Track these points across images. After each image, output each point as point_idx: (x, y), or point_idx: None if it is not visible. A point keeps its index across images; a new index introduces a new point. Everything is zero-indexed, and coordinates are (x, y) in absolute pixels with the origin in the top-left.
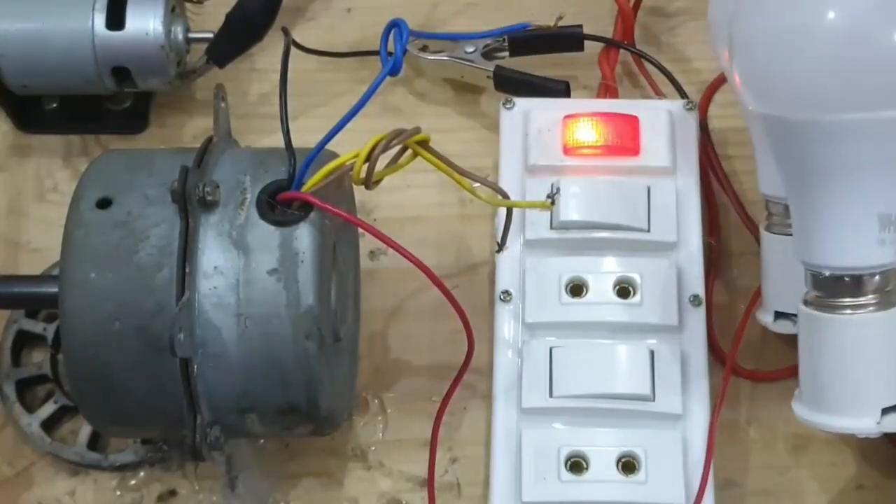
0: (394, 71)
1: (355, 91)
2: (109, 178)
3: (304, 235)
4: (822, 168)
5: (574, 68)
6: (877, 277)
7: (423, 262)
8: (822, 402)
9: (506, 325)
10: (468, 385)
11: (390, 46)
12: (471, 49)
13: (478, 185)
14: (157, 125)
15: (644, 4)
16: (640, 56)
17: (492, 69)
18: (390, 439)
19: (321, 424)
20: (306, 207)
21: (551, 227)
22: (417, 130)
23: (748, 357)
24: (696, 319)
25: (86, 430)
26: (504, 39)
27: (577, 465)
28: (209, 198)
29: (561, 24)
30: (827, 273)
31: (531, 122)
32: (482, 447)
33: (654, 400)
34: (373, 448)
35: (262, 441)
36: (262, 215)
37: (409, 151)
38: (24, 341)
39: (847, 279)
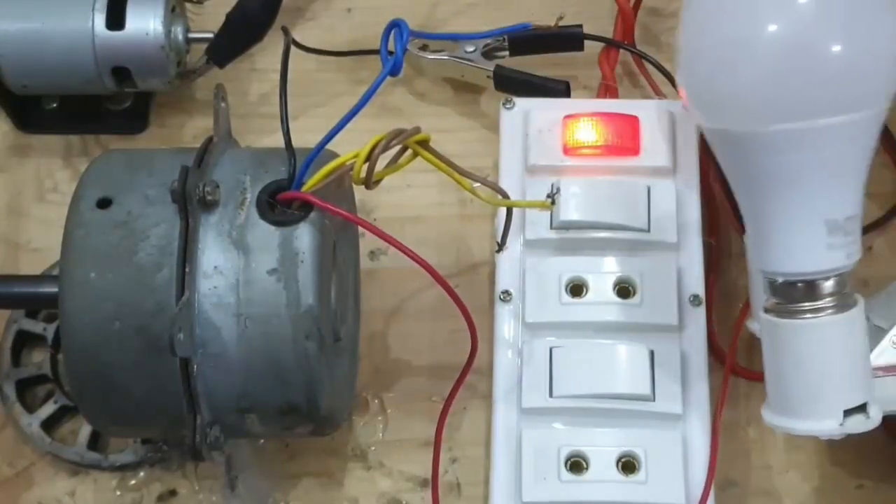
0: (394, 71)
1: (355, 91)
2: (109, 178)
3: (304, 235)
4: (767, 177)
5: (574, 68)
6: (831, 281)
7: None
8: (786, 406)
9: (506, 325)
10: (468, 385)
11: (390, 46)
12: (471, 49)
13: (478, 185)
14: (157, 125)
15: (644, 4)
16: (640, 56)
17: (492, 69)
18: (390, 439)
19: (321, 424)
20: (306, 207)
21: (551, 227)
22: (417, 130)
23: (748, 357)
24: (696, 319)
25: (86, 430)
26: (504, 39)
27: (577, 465)
28: (209, 198)
29: (561, 24)
30: (780, 279)
31: (531, 122)
32: (482, 447)
33: (654, 400)
34: (373, 448)
35: (262, 441)
36: (262, 215)
37: (409, 151)
38: (24, 341)
39: (800, 285)
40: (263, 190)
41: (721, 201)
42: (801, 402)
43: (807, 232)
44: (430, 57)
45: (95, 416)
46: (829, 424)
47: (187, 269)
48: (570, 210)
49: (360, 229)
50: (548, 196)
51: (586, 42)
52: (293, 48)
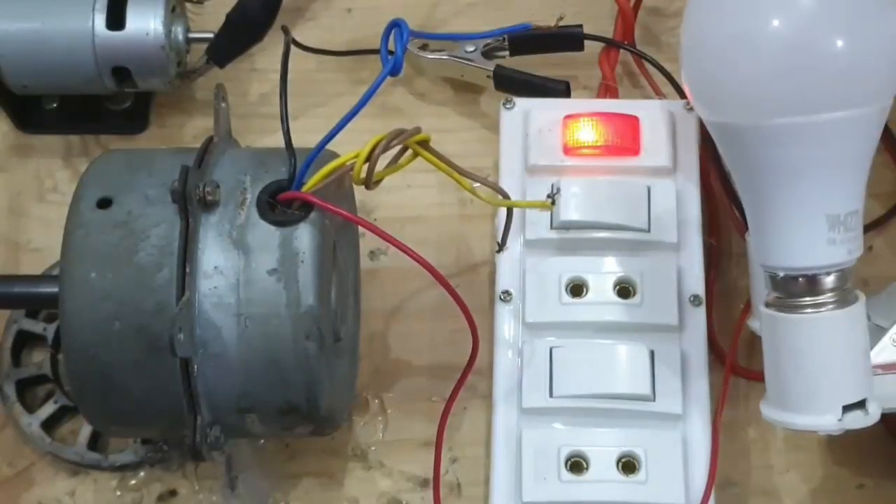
0: (394, 71)
1: (355, 91)
2: (109, 178)
3: (304, 235)
4: (768, 172)
5: (574, 68)
6: (832, 276)
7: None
8: (785, 401)
9: (506, 325)
10: (468, 385)
11: (391, 46)
12: (471, 48)
13: (478, 185)
14: (157, 125)
15: (644, 4)
16: (640, 56)
17: (492, 69)
18: (390, 439)
19: (321, 424)
20: (306, 207)
21: (551, 227)
22: (418, 130)
23: (749, 357)
24: (696, 319)
25: (86, 430)
26: (504, 39)
27: (577, 465)
28: (209, 198)
29: (561, 24)
30: (781, 274)
31: (531, 122)
32: (482, 447)
33: (654, 400)
34: (373, 448)
35: (262, 441)
36: (263, 215)
37: (409, 151)
38: (24, 341)
39: (801, 279)
40: (263, 190)
41: (721, 200)
42: (800, 397)
43: (807, 226)
44: (430, 57)
45: (95, 416)
46: (827, 420)
47: (187, 269)
48: (570, 210)
49: (360, 229)
50: (548, 196)
51: (586, 42)
52: (293, 48)
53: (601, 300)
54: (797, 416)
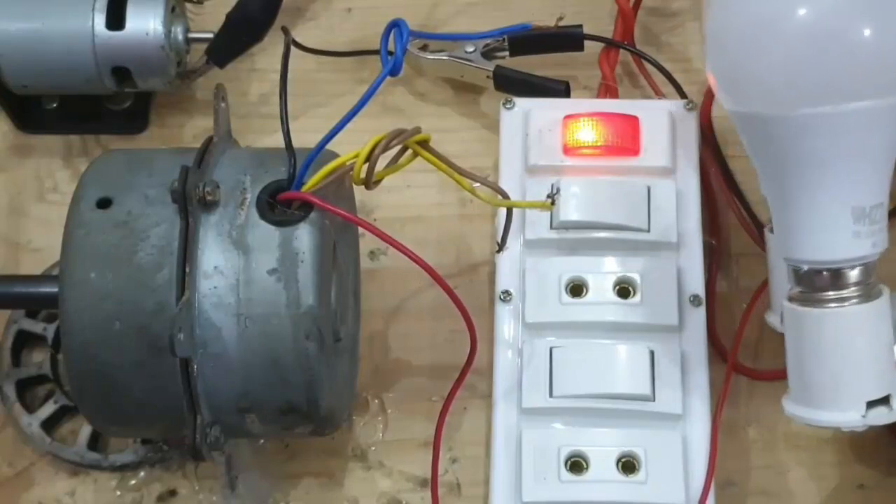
0: (394, 71)
1: (355, 91)
2: (109, 178)
3: (304, 235)
4: (794, 163)
5: (574, 68)
6: (856, 270)
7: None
8: (808, 397)
9: (506, 325)
10: (468, 385)
11: (390, 46)
12: (471, 49)
13: (478, 185)
14: (157, 125)
15: (644, 4)
16: (640, 56)
17: (492, 69)
18: (390, 439)
19: (321, 424)
20: (306, 207)
21: (551, 227)
22: (417, 130)
23: (749, 357)
24: (696, 319)
25: (86, 430)
26: (504, 39)
27: (577, 465)
28: (209, 198)
29: (561, 24)
30: (805, 267)
31: (531, 122)
32: (482, 447)
33: (654, 400)
34: (373, 448)
35: (262, 441)
36: (262, 215)
37: (409, 151)
38: (24, 341)
39: (826, 273)
40: (263, 190)
41: (721, 200)
42: (823, 392)
43: (833, 219)
44: (429, 57)
45: (95, 416)
46: (851, 416)
47: (187, 269)
48: (570, 210)
49: (360, 229)
50: (548, 196)
51: (586, 42)
52: (293, 48)
53: (601, 300)
54: (820, 413)
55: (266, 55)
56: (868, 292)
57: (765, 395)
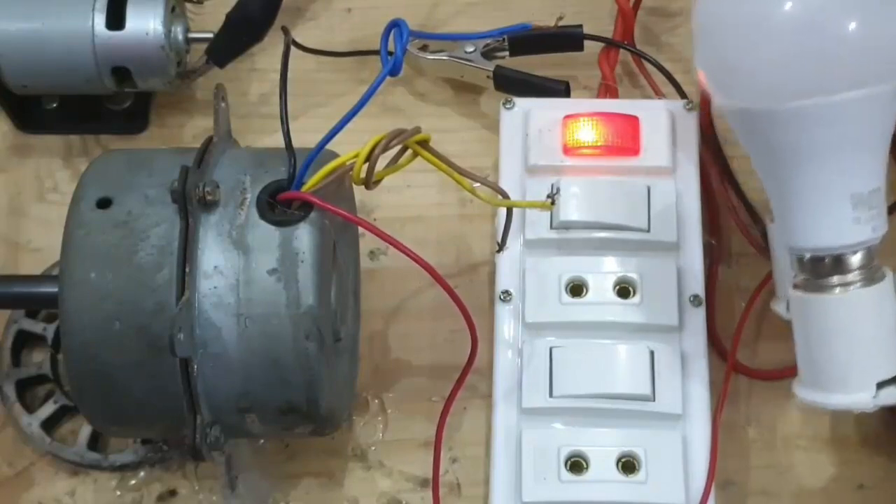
0: (394, 71)
1: (355, 91)
2: (109, 178)
3: (304, 235)
4: (789, 155)
5: (574, 68)
6: (858, 254)
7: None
8: (819, 381)
9: (506, 325)
10: (468, 385)
11: (390, 46)
12: (471, 49)
13: (478, 185)
14: (157, 125)
15: (644, 4)
16: (640, 56)
17: (492, 69)
18: (390, 439)
19: (321, 424)
20: (306, 207)
21: (551, 227)
22: (417, 130)
23: (749, 357)
24: (696, 319)
25: (86, 430)
26: (504, 39)
27: (577, 465)
28: (209, 198)
29: (561, 24)
30: (808, 255)
31: (531, 122)
32: (482, 447)
33: (654, 400)
34: (373, 448)
35: (262, 441)
36: (262, 215)
37: (409, 151)
38: (24, 341)
39: (828, 259)
40: (263, 190)
41: (721, 200)
42: (833, 376)
43: (832, 207)
44: (429, 58)
45: (95, 416)
46: (862, 397)
47: (187, 269)
48: (570, 210)
49: (360, 229)
50: (548, 196)
51: (586, 42)
52: (293, 48)
53: (601, 300)
54: (831, 396)
55: (266, 55)
56: (871, 276)
57: (765, 395)
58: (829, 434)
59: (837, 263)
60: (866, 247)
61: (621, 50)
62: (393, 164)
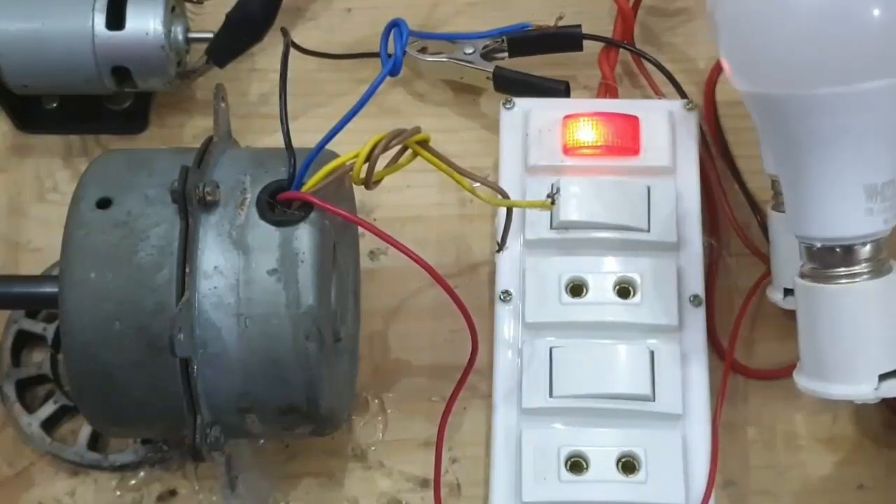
0: (394, 71)
1: (355, 91)
2: (109, 178)
3: (304, 235)
4: (806, 142)
5: (574, 68)
6: (868, 246)
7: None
8: (821, 371)
9: (506, 325)
10: (468, 385)
11: (390, 47)
12: (470, 50)
13: (478, 185)
14: (157, 125)
15: (644, 4)
16: (639, 56)
17: (491, 70)
18: (390, 439)
19: (321, 424)
20: (306, 207)
21: (551, 227)
22: (417, 130)
23: (749, 357)
24: (696, 319)
25: (86, 430)
26: (503, 40)
27: (577, 465)
28: (209, 198)
29: (560, 24)
30: (819, 244)
31: (531, 122)
32: (482, 447)
33: (654, 400)
34: (373, 448)
35: (262, 441)
36: (262, 215)
37: (409, 151)
38: (24, 341)
39: (838, 249)
40: (263, 190)
41: (721, 201)
42: (835, 366)
43: (846, 197)
44: (429, 59)
45: (95, 416)
46: (863, 389)
47: (187, 269)
48: (570, 210)
49: (360, 229)
50: (548, 196)
51: (586, 42)
52: (292, 49)
53: (601, 300)
54: (833, 386)
55: (266, 55)
56: (879, 268)
57: (765, 395)
58: (829, 434)
59: (847, 254)
60: (876, 239)
61: (621, 50)
62: (393, 164)
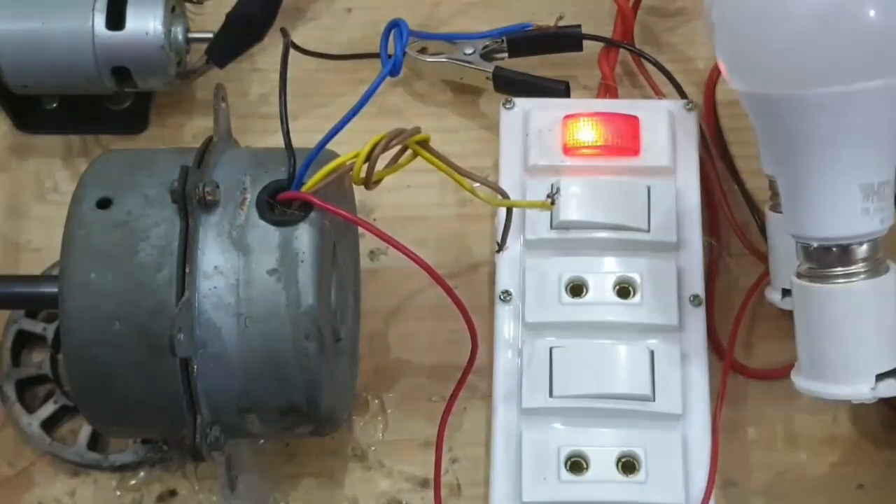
0: (394, 71)
1: (355, 91)
2: (109, 178)
3: (304, 235)
4: (804, 142)
5: (574, 68)
6: (864, 246)
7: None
8: (818, 371)
9: (506, 325)
10: (468, 385)
11: (390, 47)
12: (470, 51)
13: (478, 185)
14: (157, 125)
15: (644, 4)
16: (639, 56)
17: (491, 70)
18: (390, 439)
19: (321, 424)
20: (306, 207)
21: (551, 227)
22: (417, 130)
23: (748, 357)
24: (696, 319)
25: (86, 430)
26: (503, 40)
27: (577, 465)
28: (209, 198)
29: (560, 24)
30: (815, 244)
31: (531, 122)
32: (482, 447)
33: (654, 400)
34: (373, 448)
35: (262, 441)
36: (262, 215)
37: (409, 151)
38: (24, 341)
39: (835, 249)
40: (263, 190)
41: (720, 202)
42: (833, 366)
43: (842, 196)
44: (429, 60)
45: (95, 416)
46: (861, 389)
47: (187, 270)
48: (570, 210)
49: (360, 229)
50: (548, 196)
51: (586, 42)
52: (291, 49)
53: (601, 300)
54: (830, 386)
55: (266, 55)
56: (876, 268)
57: (765, 395)
58: (829, 434)
59: (844, 254)
60: (873, 238)
61: (621, 50)
62: (393, 164)
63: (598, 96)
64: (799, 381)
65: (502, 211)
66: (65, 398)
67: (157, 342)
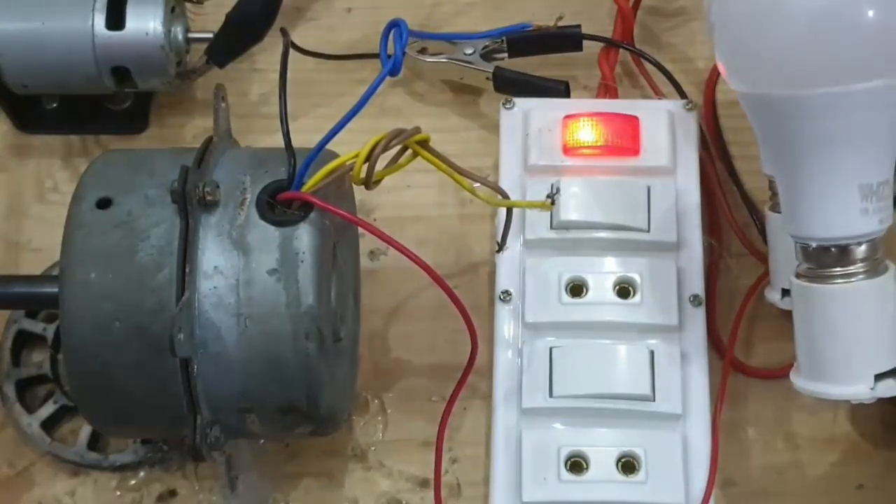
0: (394, 71)
1: (355, 91)
2: (109, 178)
3: (304, 235)
4: (801, 142)
5: (574, 68)
6: (863, 246)
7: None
8: (817, 371)
9: (506, 325)
10: (468, 385)
11: (390, 48)
12: (469, 51)
13: (478, 185)
14: (157, 125)
15: (644, 4)
16: (639, 56)
17: (491, 70)
18: (390, 439)
19: (321, 424)
20: (306, 207)
21: (551, 227)
22: (417, 130)
23: (748, 356)
24: (696, 319)
25: (86, 430)
26: (503, 40)
27: (577, 465)
28: (209, 198)
29: (560, 24)
30: (814, 245)
31: (531, 122)
32: (482, 447)
33: (654, 400)
34: (373, 448)
35: (262, 441)
36: (262, 215)
37: (409, 151)
38: (24, 341)
39: (834, 250)
40: (263, 190)
41: (720, 202)
42: (832, 366)
43: (841, 197)
44: (428, 60)
45: (95, 416)
46: (860, 389)
47: (187, 269)
48: (570, 210)
49: (360, 229)
50: (548, 196)
51: (586, 42)
52: (292, 49)
53: (601, 300)
54: (829, 386)
55: (266, 55)
56: (874, 268)
57: (765, 395)
58: (829, 434)
59: (843, 254)
60: (872, 238)
61: (621, 50)
62: (393, 164)
63: (597, 96)
64: (798, 381)
65: (502, 211)
66: (65, 398)
67: (157, 342)
